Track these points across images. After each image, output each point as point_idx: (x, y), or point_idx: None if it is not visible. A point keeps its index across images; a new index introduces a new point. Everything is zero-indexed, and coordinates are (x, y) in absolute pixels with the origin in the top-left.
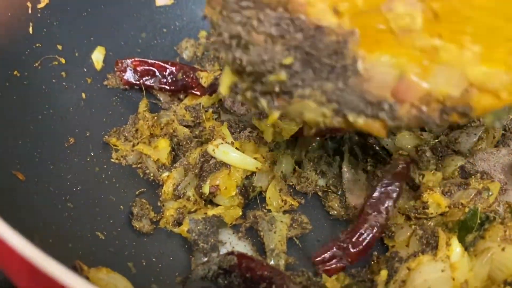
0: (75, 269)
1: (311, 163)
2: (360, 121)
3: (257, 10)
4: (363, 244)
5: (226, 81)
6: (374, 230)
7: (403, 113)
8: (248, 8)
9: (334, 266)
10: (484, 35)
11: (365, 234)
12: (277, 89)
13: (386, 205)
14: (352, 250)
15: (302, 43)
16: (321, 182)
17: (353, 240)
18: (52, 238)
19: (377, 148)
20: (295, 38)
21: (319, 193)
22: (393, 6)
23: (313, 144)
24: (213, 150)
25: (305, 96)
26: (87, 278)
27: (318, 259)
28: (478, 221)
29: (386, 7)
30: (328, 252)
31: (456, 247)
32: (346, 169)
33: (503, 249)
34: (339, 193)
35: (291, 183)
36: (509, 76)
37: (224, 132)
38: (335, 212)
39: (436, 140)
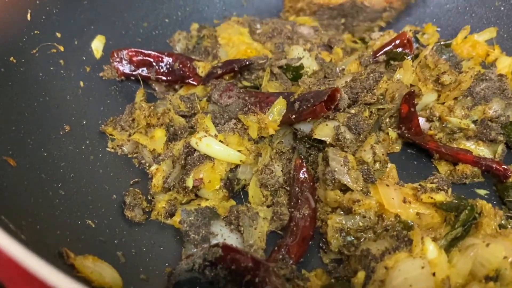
0: (61, 255)
1: (277, 155)
2: None
3: None
4: (299, 234)
5: None
6: (306, 220)
7: None
8: None
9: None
10: None
11: (298, 224)
12: None
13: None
14: (290, 243)
15: None
16: (281, 179)
17: (289, 234)
18: (40, 224)
19: (307, 139)
20: None
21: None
22: None
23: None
24: (196, 143)
25: None
26: (72, 265)
27: None
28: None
29: None
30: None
31: (430, 245)
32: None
33: (487, 245)
34: (288, 188)
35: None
36: None
37: (208, 124)
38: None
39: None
